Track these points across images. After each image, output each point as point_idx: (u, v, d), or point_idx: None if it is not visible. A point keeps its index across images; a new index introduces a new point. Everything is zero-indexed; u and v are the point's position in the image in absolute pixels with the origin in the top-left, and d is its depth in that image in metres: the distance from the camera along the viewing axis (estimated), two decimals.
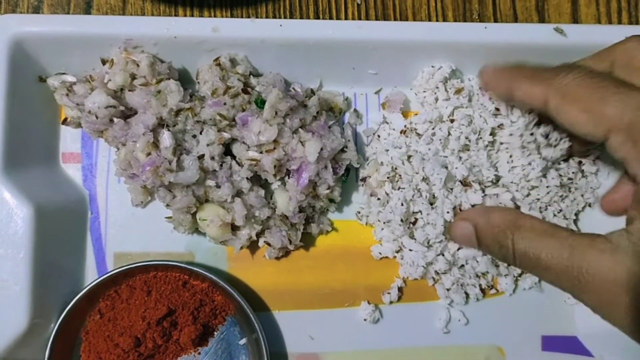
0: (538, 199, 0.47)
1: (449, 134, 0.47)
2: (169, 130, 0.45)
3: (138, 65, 0.45)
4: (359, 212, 0.48)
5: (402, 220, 0.45)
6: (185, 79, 0.48)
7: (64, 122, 0.48)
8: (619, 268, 0.29)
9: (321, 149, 0.45)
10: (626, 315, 0.29)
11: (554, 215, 0.47)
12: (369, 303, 0.48)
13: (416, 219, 0.46)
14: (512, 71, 0.39)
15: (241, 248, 0.46)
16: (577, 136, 0.35)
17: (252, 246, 0.48)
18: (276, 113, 0.44)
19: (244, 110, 0.45)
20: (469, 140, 0.46)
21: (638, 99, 0.31)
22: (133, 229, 0.48)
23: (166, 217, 0.47)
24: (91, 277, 0.48)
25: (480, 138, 0.46)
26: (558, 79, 0.34)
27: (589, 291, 0.30)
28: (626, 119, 0.31)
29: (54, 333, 0.44)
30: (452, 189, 0.45)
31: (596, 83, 0.33)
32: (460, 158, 0.46)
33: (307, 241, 0.48)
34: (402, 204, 0.45)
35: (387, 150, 0.47)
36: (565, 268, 0.31)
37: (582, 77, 0.34)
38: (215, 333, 0.47)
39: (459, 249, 0.46)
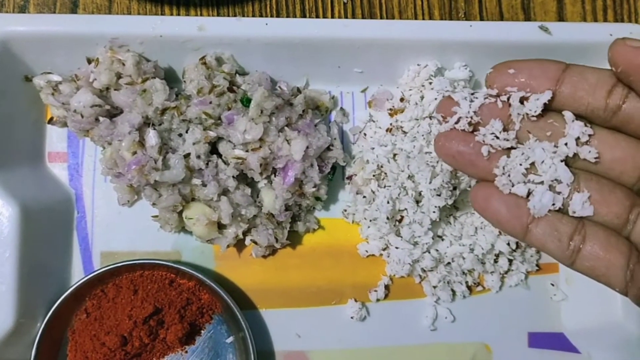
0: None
1: (431, 131, 0.47)
2: (154, 129, 0.45)
3: (124, 64, 0.45)
4: (346, 210, 0.49)
5: (388, 218, 0.45)
6: (171, 78, 0.48)
7: (50, 121, 0.48)
8: None
9: (307, 147, 0.45)
10: None
11: None
12: (355, 301, 0.48)
13: (402, 217, 0.46)
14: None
15: (228, 246, 0.47)
16: None
17: (239, 245, 0.48)
18: (262, 111, 0.44)
19: (229, 109, 0.45)
20: None
21: None
22: (119, 228, 0.48)
23: (153, 216, 0.47)
24: (77, 276, 0.48)
25: None
26: None
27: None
28: None
29: (40, 332, 0.44)
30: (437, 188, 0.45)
31: None
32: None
33: (294, 239, 0.48)
34: (388, 202, 0.45)
35: (373, 149, 0.47)
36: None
37: None
38: (202, 332, 0.47)
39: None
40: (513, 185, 0.31)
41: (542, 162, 0.31)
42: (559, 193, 0.31)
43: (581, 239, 0.30)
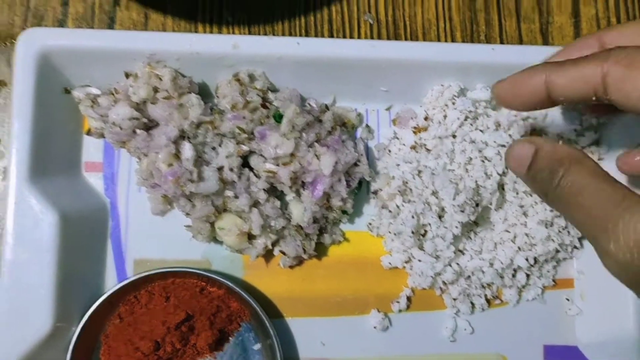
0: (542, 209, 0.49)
1: (454, 149, 0.49)
2: (190, 142, 0.47)
3: (161, 79, 0.47)
4: (370, 224, 0.50)
5: (412, 232, 0.47)
6: (203, 93, 0.50)
7: (88, 132, 0.50)
8: None
9: (336, 163, 0.47)
10: None
11: (561, 229, 0.49)
12: (378, 311, 0.50)
13: (425, 231, 0.48)
14: (544, 65, 0.36)
15: (257, 256, 0.48)
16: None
17: (267, 255, 0.49)
18: (293, 127, 0.46)
19: (262, 124, 0.47)
20: (474, 155, 0.48)
21: None
22: (152, 237, 0.50)
23: (185, 226, 0.48)
24: (111, 282, 0.49)
25: (480, 152, 0.49)
26: (615, 52, 0.32)
27: (621, 244, 0.30)
28: None
29: (76, 337, 0.45)
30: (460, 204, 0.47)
31: None
32: (467, 171, 0.48)
33: (320, 251, 0.50)
34: (412, 217, 0.47)
35: (398, 165, 0.49)
36: (606, 214, 0.30)
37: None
38: (231, 338, 0.48)
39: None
40: None
41: None
42: None
43: None
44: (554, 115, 0.50)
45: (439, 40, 0.54)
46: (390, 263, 0.50)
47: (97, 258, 0.49)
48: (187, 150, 0.46)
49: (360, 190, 0.50)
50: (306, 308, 0.50)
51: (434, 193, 0.47)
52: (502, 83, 0.38)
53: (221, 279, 0.47)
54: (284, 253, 0.48)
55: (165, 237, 0.50)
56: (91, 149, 0.50)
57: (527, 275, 0.50)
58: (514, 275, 0.50)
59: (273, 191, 0.49)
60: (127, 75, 0.48)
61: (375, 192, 0.50)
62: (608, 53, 0.33)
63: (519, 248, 0.49)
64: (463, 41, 0.54)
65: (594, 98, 0.34)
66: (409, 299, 0.50)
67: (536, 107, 0.38)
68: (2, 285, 0.44)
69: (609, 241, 0.30)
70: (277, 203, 0.48)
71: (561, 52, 0.40)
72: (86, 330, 0.46)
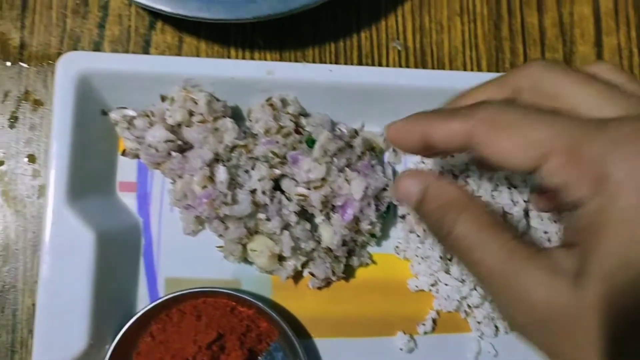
0: None
1: (481, 175, 0.50)
2: (224, 165, 0.48)
3: (196, 102, 0.48)
4: (397, 247, 0.51)
5: (440, 257, 0.48)
6: (235, 115, 0.51)
7: (123, 153, 0.51)
8: (553, 291, 0.27)
9: (366, 187, 0.48)
10: (548, 339, 0.28)
11: None
12: (404, 333, 0.50)
13: (452, 256, 0.49)
14: (425, 115, 0.35)
15: (287, 278, 0.49)
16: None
17: (296, 276, 0.50)
18: (325, 153, 0.48)
19: (294, 148, 0.48)
20: (500, 182, 0.50)
21: (570, 120, 0.29)
22: (183, 256, 0.51)
23: (217, 247, 0.49)
24: (143, 300, 0.50)
25: (507, 179, 0.50)
26: (480, 111, 0.31)
27: (514, 304, 0.28)
28: (565, 140, 0.28)
29: (109, 355, 0.46)
30: None
31: (521, 110, 0.30)
32: (494, 197, 0.49)
33: (348, 273, 0.51)
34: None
35: None
36: (494, 272, 0.29)
37: (505, 105, 0.31)
38: (260, 358, 0.49)
39: None
40: None
41: None
42: None
43: None
44: None
45: (465, 67, 0.55)
46: (416, 286, 0.51)
47: (130, 276, 0.50)
48: (222, 173, 0.47)
49: (388, 214, 0.52)
50: (333, 329, 0.51)
51: None
52: (391, 126, 0.36)
53: (251, 299, 0.48)
54: (313, 274, 0.50)
55: (196, 256, 0.51)
56: (125, 169, 0.51)
57: None
58: None
59: (303, 214, 0.50)
60: (163, 99, 0.49)
61: (403, 217, 0.51)
62: (475, 110, 0.32)
63: None
64: (489, 69, 0.55)
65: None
66: (434, 321, 0.51)
67: (424, 154, 0.38)
68: (38, 303, 0.45)
69: (501, 305, 0.29)
70: (308, 226, 0.49)
71: (462, 97, 0.38)
72: (119, 348, 0.47)
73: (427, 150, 0.35)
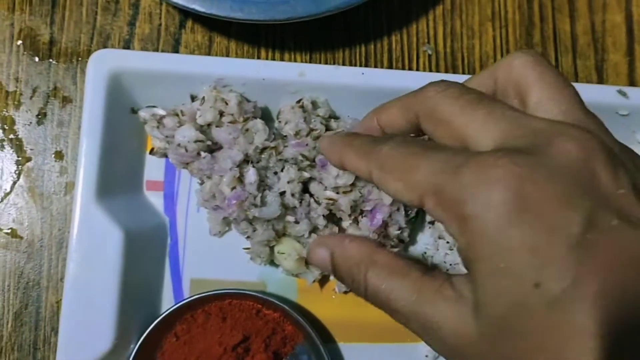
0: None
1: None
2: (253, 166, 0.47)
3: (227, 103, 0.48)
4: (425, 253, 0.51)
5: None
6: (264, 116, 0.51)
7: (151, 151, 0.51)
8: (458, 322, 0.28)
9: None
10: None
11: None
12: None
13: None
14: (343, 141, 0.36)
15: (314, 281, 0.49)
16: None
17: (322, 279, 0.50)
18: None
19: None
20: None
21: (441, 161, 0.29)
22: (209, 257, 0.51)
23: (244, 248, 0.49)
24: (167, 300, 0.50)
25: None
26: (376, 151, 0.33)
27: (432, 337, 0.30)
28: (432, 184, 0.29)
29: (134, 354, 0.46)
30: None
31: (408, 151, 0.31)
32: None
33: None
34: None
35: None
36: (412, 313, 0.30)
37: (395, 146, 0.32)
38: None
39: None
40: None
41: None
42: None
43: None
44: None
45: None
46: None
47: (155, 276, 0.50)
48: (252, 174, 0.47)
49: (417, 220, 0.51)
50: (358, 334, 0.50)
51: None
52: (325, 139, 0.38)
53: (277, 302, 0.48)
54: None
55: (222, 257, 0.50)
56: (153, 168, 0.51)
57: None
58: None
59: (331, 217, 0.50)
60: (193, 98, 0.49)
61: (432, 222, 0.51)
62: (374, 149, 0.33)
63: None
64: None
65: None
66: None
67: None
68: (64, 301, 0.45)
69: (425, 340, 0.31)
70: (335, 229, 0.49)
71: (375, 113, 0.39)
72: (144, 348, 0.46)
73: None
